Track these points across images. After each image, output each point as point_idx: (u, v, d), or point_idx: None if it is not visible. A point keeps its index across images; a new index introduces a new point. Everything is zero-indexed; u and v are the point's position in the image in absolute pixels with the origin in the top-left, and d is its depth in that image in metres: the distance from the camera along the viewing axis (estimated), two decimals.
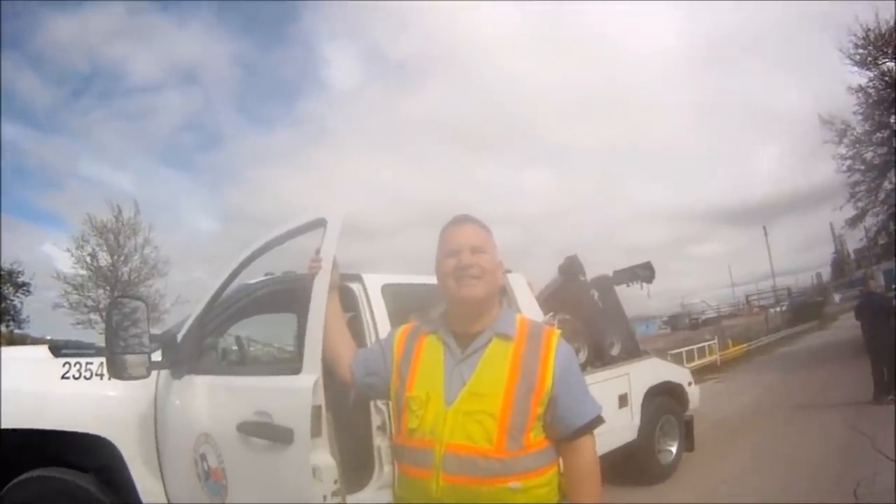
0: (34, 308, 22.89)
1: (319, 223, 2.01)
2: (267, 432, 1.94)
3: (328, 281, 1.81)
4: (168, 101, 58.68)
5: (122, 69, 67.57)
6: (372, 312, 2.91)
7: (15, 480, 2.37)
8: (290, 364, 2.16)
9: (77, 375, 2.51)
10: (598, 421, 1.40)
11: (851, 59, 14.15)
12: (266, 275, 2.97)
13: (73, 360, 2.54)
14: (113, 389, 2.45)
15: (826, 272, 55.98)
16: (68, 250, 20.06)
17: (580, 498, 1.36)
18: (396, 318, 2.77)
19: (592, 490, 1.37)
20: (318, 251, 1.89)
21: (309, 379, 1.83)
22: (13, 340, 17.71)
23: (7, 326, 21.70)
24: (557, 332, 1.44)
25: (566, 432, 1.35)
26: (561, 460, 1.39)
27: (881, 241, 18.16)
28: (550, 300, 4.90)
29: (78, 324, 19.77)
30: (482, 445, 1.28)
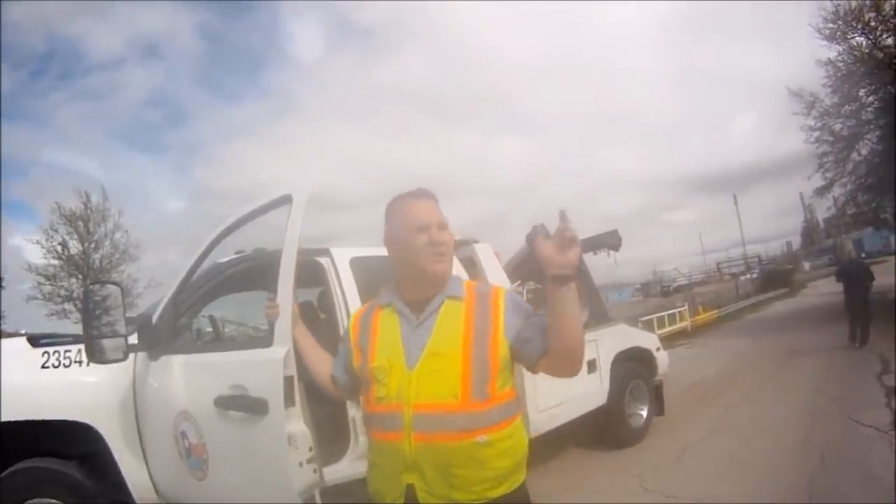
0: (7, 303, 22.38)
1: (285, 200, 2.06)
2: (243, 404, 2.01)
3: (295, 260, 1.88)
4: (130, 79, 56.81)
5: (81, 47, 64.50)
6: (341, 286, 2.95)
7: (2, 475, 2.38)
8: (262, 338, 2.22)
9: (56, 364, 2.52)
10: None
11: (821, 34, 14.28)
12: (237, 253, 2.98)
13: (51, 349, 2.55)
14: (92, 375, 2.48)
15: (796, 240, 57.60)
16: (38, 242, 19.64)
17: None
18: (365, 291, 2.81)
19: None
20: (269, 297, 1.99)
21: (280, 351, 1.91)
22: None
23: None
24: (503, 288, 1.53)
25: (537, 355, 1.41)
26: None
27: (849, 211, 18.53)
28: (519, 269, 4.91)
29: (52, 314, 19.46)
30: (449, 401, 1.35)
